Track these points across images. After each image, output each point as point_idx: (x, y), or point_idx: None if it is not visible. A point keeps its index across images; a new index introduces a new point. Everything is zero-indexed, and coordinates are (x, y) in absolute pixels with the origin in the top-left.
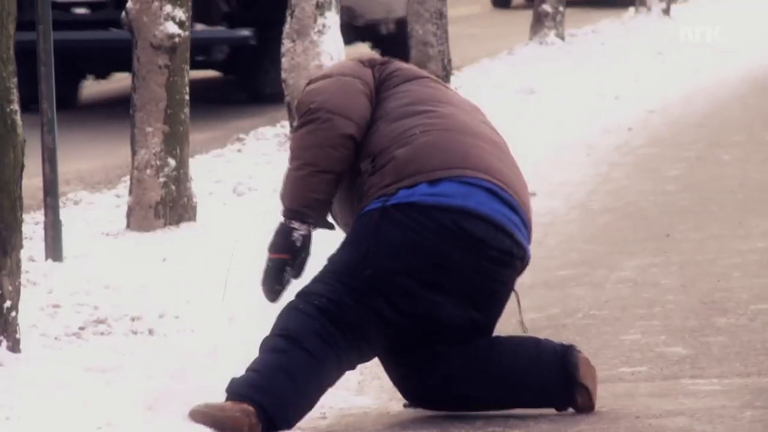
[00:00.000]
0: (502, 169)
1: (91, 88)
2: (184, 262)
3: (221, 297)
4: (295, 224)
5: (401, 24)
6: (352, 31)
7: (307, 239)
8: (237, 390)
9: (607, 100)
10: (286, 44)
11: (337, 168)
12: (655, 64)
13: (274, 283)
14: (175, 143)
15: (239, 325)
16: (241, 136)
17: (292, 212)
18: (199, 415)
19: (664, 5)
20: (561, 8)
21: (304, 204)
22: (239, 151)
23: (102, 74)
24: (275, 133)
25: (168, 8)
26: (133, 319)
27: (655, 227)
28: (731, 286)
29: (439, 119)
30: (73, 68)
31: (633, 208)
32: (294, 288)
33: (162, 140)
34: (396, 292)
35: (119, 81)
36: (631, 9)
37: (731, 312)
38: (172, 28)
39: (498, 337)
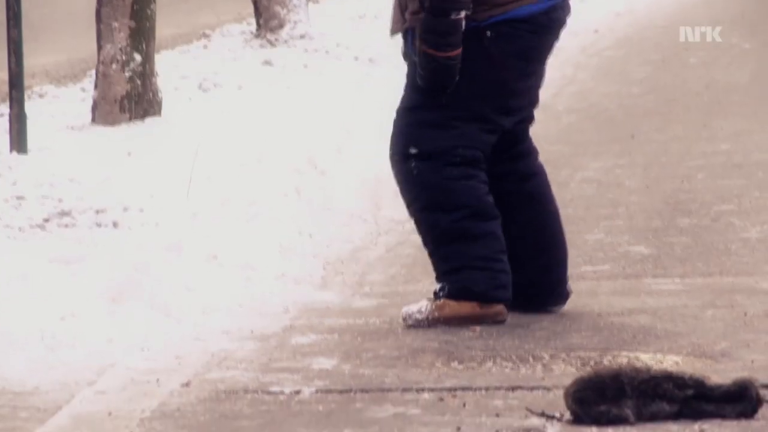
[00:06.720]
0: None
1: None
2: (149, 156)
3: (186, 192)
4: (462, 14)
5: None
6: None
7: None
8: (483, 292)
9: (573, 2)
10: None
11: None
12: None
13: (453, 79)
14: (141, 38)
15: (202, 220)
16: (207, 32)
17: (460, 3)
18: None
19: None
20: None
21: None
22: (205, 47)
23: None
24: (241, 30)
25: None
26: (97, 212)
27: (619, 129)
28: (695, 187)
29: None
30: None
31: (597, 109)
32: None
33: (128, 35)
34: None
35: None
36: None
37: (694, 213)
38: None
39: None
